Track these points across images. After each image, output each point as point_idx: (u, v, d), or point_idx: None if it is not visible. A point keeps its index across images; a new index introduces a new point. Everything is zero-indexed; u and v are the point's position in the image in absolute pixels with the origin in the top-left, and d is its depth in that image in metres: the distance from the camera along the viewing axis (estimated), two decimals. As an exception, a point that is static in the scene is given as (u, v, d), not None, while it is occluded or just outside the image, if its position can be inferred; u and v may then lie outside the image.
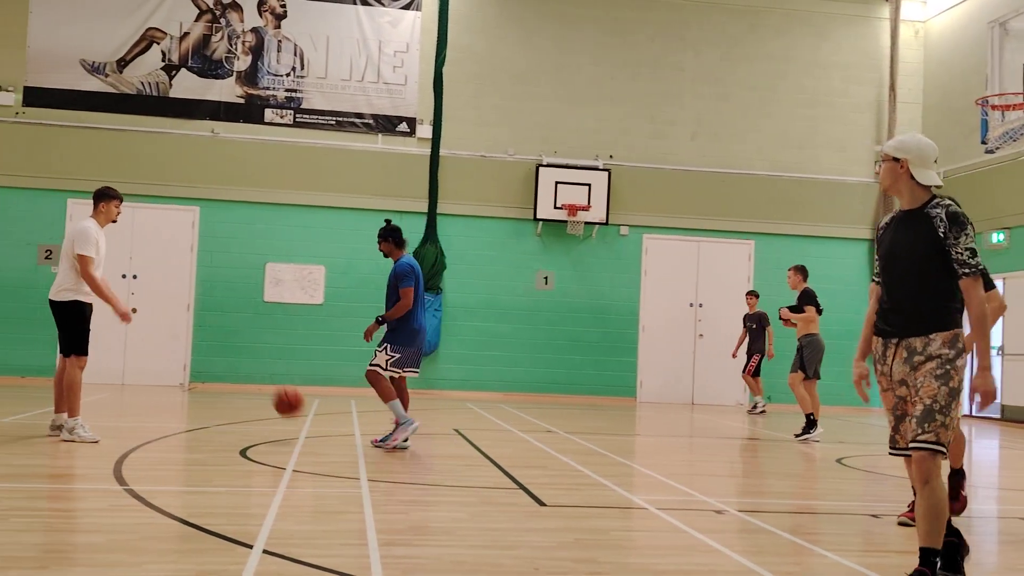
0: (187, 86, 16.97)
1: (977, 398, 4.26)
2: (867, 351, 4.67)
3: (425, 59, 17.63)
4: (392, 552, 4.64)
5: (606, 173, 17.78)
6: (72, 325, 8.47)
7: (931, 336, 4.27)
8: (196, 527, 5.02)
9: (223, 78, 17.09)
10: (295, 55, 17.30)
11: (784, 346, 15.94)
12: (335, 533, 5.10)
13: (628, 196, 17.99)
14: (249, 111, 17.12)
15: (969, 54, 17.86)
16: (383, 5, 17.59)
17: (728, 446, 11.36)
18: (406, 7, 17.64)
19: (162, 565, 4.24)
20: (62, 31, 16.65)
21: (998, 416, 16.68)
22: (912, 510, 5.78)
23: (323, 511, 5.80)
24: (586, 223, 17.72)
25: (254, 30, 17.26)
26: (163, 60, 16.92)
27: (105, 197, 8.74)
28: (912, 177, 4.39)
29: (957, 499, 6.34)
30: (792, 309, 11.90)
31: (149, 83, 16.87)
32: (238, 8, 17.24)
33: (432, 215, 17.41)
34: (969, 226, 4.27)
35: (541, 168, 17.63)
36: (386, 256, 9.04)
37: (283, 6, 17.35)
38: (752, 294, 16.71)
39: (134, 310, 16.32)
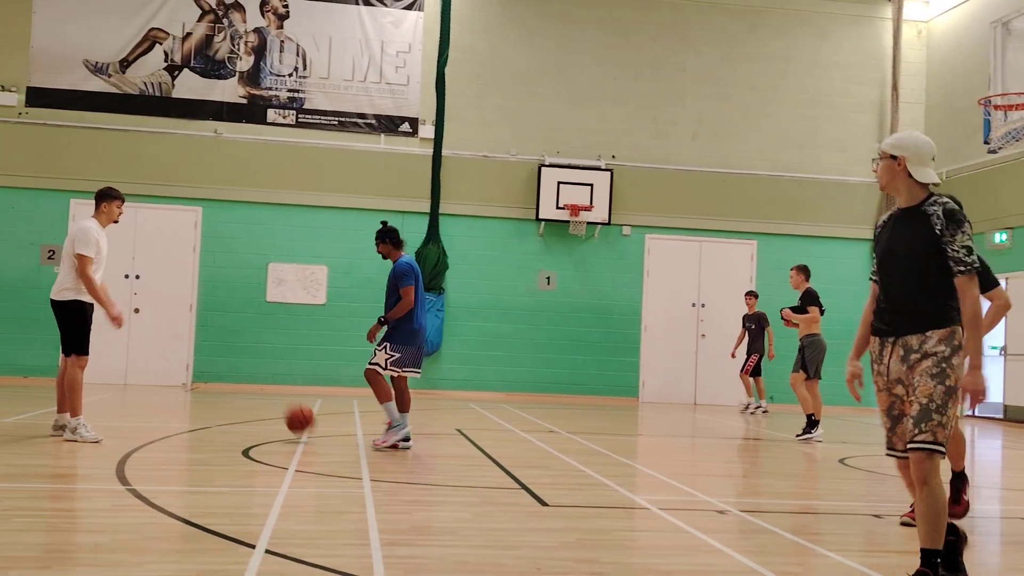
0: (190, 86, 16.99)
1: (968, 397, 4.23)
2: (861, 350, 4.65)
3: (427, 59, 17.63)
4: (394, 552, 4.64)
5: (608, 173, 17.78)
6: (73, 325, 8.48)
7: (927, 333, 4.24)
8: (198, 527, 5.02)
9: (226, 78, 17.10)
10: (297, 55, 17.31)
11: (784, 346, 15.94)
12: (337, 533, 5.10)
13: (630, 196, 17.99)
14: (252, 111, 17.13)
15: (971, 54, 17.84)
16: (385, 5, 17.60)
17: (730, 446, 11.36)
18: (408, 7, 17.65)
19: (164, 565, 4.25)
20: (65, 31, 16.66)
21: (1001, 416, 16.67)
22: (914, 510, 5.76)
23: (325, 511, 5.81)
24: (588, 223, 17.72)
25: (256, 30, 17.27)
26: (166, 60, 16.93)
27: (107, 197, 8.75)
28: (910, 175, 4.37)
29: (959, 503, 6.22)
30: (794, 309, 11.89)
31: (152, 83, 16.89)
32: (240, 8, 17.25)
33: (434, 215, 17.42)
34: (966, 224, 4.24)
35: (543, 168, 17.63)
36: (385, 257, 9.04)
37: (285, 6, 17.36)
38: (751, 294, 16.71)
39: (136, 310, 16.40)
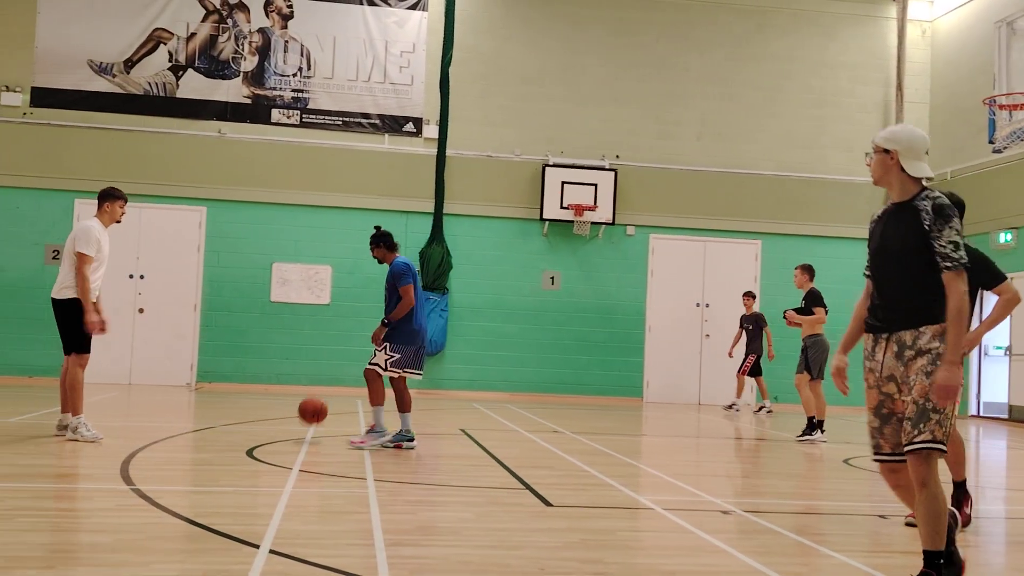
0: (194, 86, 17.00)
1: (938, 393, 4.08)
2: (849, 345, 4.60)
3: (431, 59, 17.63)
4: (398, 552, 4.64)
5: (612, 173, 17.77)
6: (74, 323, 8.47)
7: (921, 329, 4.18)
8: (203, 527, 5.02)
9: (230, 78, 17.11)
10: (302, 55, 17.32)
11: (784, 346, 15.95)
12: (341, 533, 5.10)
13: (634, 196, 17.98)
14: (256, 111, 17.14)
15: (976, 54, 17.81)
16: (389, 5, 17.60)
17: (734, 447, 11.35)
18: (412, 7, 17.66)
19: (169, 565, 4.25)
20: (69, 32, 16.68)
21: (1006, 416, 16.63)
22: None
23: (329, 511, 5.81)
24: (592, 223, 17.72)
25: (261, 30, 17.28)
26: (170, 60, 16.95)
27: (109, 197, 8.76)
28: (903, 169, 4.31)
29: (960, 513, 5.90)
30: (798, 310, 11.85)
31: (156, 83, 16.91)
32: (245, 9, 17.26)
33: (438, 215, 17.41)
34: (955, 219, 4.16)
35: (547, 168, 17.63)
36: (380, 262, 9.07)
37: (290, 6, 17.37)
38: (749, 295, 16.71)
39: (141, 310, 16.42)
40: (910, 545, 5.35)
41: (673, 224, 18.17)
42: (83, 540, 4.81)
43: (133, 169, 16.44)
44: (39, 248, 16.37)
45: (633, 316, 17.97)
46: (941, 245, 4.14)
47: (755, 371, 16.33)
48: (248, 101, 17.12)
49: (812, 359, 11.54)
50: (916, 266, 4.21)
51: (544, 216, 17.58)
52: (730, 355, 16.85)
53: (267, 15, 17.32)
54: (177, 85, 16.96)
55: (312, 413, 9.09)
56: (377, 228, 9.16)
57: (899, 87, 18.77)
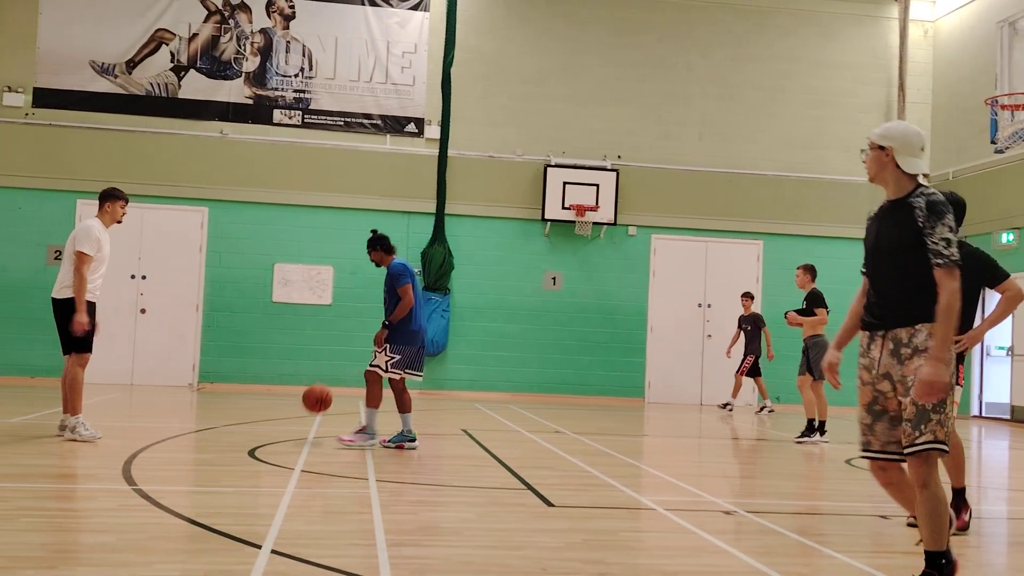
0: (196, 87, 17.01)
1: (921, 388, 4.03)
2: (844, 342, 4.59)
3: (433, 60, 17.63)
4: (400, 552, 4.64)
5: (614, 173, 17.77)
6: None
7: (917, 327, 4.16)
8: (205, 527, 5.02)
9: (232, 79, 17.12)
10: (303, 56, 17.33)
11: (783, 347, 15.93)
12: (343, 533, 5.10)
13: (636, 196, 17.98)
14: (258, 112, 17.15)
15: (978, 54, 17.80)
16: (391, 6, 17.61)
17: (736, 447, 11.35)
18: (414, 8, 17.66)
19: (171, 565, 4.25)
20: (71, 32, 16.69)
21: (1008, 417, 16.62)
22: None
23: (331, 511, 5.81)
24: (594, 223, 17.71)
25: (263, 31, 17.29)
26: (172, 61, 16.96)
27: (111, 197, 8.76)
28: (898, 166, 4.29)
29: (958, 519, 5.79)
30: (799, 311, 11.83)
31: (158, 84, 16.91)
32: (247, 9, 17.27)
33: (440, 216, 17.41)
34: (948, 216, 4.14)
35: (549, 168, 17.63)
36: (378, 265, 9.11)
37: (291, 7, 17.38)
38: (747, 296, 16.70)
39: (143, 311, 16.43)
40: (912, 546, 5.34)
41: (675, 224, 18.16)
42: (85, 540, 4.82)
43: (135, 170, 16.45)
44: (41, 249, 16.38)
45: (635, 316, 17.97)
46: (933, 242, 4.12)
47: (754, 372, 16.32)
48: (250, 101, 17.13)
49: (814, 360, 11.51)
50: (911, 263, 4.20)
51: (546, 216, 17.58)
52: (728, 355, 16.84)
53: (269, 16, 17.33)
54: (179, 85, 16.97)
55: (316, 401, 9.16)
56: (374, 231, 9.18)
57: (901, 87, 18.76)
